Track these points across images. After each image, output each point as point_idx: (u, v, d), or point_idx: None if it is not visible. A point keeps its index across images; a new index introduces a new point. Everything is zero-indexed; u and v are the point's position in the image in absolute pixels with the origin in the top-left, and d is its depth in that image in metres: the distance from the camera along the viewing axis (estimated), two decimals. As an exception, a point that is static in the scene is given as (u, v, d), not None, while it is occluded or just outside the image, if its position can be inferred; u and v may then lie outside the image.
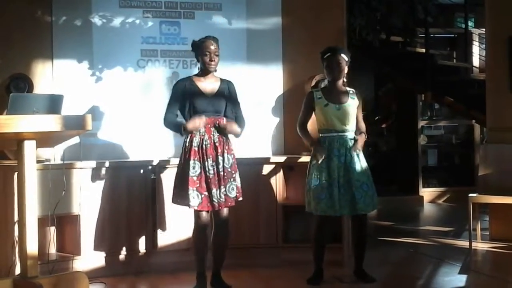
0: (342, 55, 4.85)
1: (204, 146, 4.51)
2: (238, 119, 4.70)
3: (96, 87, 5.60)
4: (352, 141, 4.81)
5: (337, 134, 4.81)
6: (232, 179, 4.57)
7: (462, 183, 9.42)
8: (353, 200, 4.73)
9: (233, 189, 4.56)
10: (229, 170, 4.56)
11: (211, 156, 4.50)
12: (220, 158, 4.52)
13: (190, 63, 5.74)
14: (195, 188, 4.46)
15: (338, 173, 4.74)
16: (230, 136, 4.69)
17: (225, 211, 4.60)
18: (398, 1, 7.94)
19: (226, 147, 4.58)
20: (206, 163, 4.48)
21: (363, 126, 4.96)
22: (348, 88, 4.90)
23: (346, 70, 4.89)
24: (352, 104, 4.84)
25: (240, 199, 4.68)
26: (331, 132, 4.81)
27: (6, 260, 4.69)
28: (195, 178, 4.47)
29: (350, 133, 4.83)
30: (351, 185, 4.73)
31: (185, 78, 4.77)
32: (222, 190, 4.51)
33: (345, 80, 4.90)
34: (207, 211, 4.55)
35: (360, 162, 4.79)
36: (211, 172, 4.48)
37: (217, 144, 4.53)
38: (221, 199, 4.50)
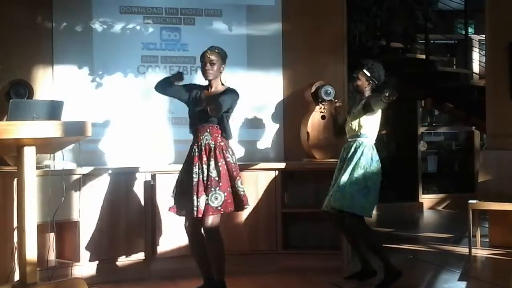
0: (363, 71, 4.95)
1: (192, 154, 4.51)
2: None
3: (97, 93, 5.61)
4: (358, 147, 4.89)
5: (348, 140, 5.00)
6: (217, 188, 4.43)
7: (462, 190, 9.43)
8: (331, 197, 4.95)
9: (216, 198, 4.39)
10: (216, 179, 4.42)
11: (197, 164, 4.46)
12: (205, 166, 4.44)
13: (190, 69, 5.75)
14: (181, 197, 4.50)
15: (339, 173, 4.94)
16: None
17: (209, 219, 4.41)
18: (398, 7, 7.96)
19: (214, 155, 4.45)
20: (192, 171, 4.46)
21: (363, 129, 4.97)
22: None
23: (363, 86, 4.97)
24: (357, 112, 4.94)
25: (246, 206, 4.60)
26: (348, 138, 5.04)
27: (5, 266, 4.68)
28: (183, 186, 4.50)
29: (356, 139, 4.92)
30: (337, 184, 4.91)
31: (199, 85, 4.71)
32: (204, 198, 4.40)
33: (366, 92, 4.98)
34: (190, 219, 4.50)
35: (358, 166, 4.85)
36: (195, 179, 4.43)
37: (202, 152, 4.47)
38: (200, 207, 4.38)
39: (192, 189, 4.42)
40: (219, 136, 4.50)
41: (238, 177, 4.52)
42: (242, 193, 4.52)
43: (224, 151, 4.49)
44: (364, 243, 5.04)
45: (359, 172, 4.84)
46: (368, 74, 4.95)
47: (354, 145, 4.92)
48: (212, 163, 4.45)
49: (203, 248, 4.57)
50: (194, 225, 4.52)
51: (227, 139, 4.53)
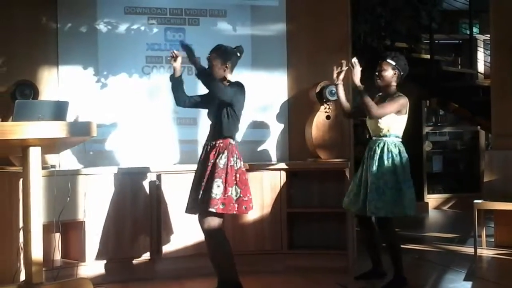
0: (387, 60, 4.86)
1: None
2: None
3: (101, 93, 5.62)
4: (383, 146, 4.81)
5: (372, 139, 4.93)
6: (208, 189, 4.34)
7: (467, 190, 9.42)
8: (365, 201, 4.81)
9: (206, 198, 4.31)
10: (208, 177, 4.37)
11: (198, 163, 4.56)
12: (201, 165, 4.49)
13: (194, 70, 5.74)
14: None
15: (364, 173, 4.86)
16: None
17: (203, 220, 4.40)
18: (402, 7, 7.95)
19: (212, 153, 4.44)
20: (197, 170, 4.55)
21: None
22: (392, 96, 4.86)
23: (389, 76, 4.87)
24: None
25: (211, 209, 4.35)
26: (370, 137, 4.97)
27: (11, 266, 4.68)
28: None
29: (381, 138, 4.83)
30: (367, 187, 4.80)
31: None
32: (194, 197, 4.44)
33: (393, 85, 4.88)
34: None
35: (380, 166, 4.76)
36: (196, 177, 4.52)
37: (204, 150, 4.53)
38: (194, 205, 4.45)
39: (193, 187, 4.50)
40: (220, 136, 4.48)
41: (216, 179, 4.35)
42: (213, 196, 4.32)
43: (219, 150, 4.44)
44: (384, 243, 4.96)
45: (394, 173, 4.74)
46: (393, 63, 4.84)
47: (383, 144, 4.79)
48: (210, 161, 4.43)
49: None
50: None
51: (225, 137, 4.47)
